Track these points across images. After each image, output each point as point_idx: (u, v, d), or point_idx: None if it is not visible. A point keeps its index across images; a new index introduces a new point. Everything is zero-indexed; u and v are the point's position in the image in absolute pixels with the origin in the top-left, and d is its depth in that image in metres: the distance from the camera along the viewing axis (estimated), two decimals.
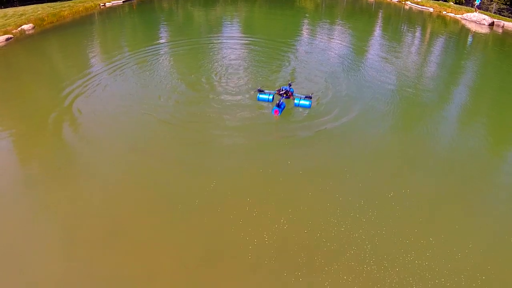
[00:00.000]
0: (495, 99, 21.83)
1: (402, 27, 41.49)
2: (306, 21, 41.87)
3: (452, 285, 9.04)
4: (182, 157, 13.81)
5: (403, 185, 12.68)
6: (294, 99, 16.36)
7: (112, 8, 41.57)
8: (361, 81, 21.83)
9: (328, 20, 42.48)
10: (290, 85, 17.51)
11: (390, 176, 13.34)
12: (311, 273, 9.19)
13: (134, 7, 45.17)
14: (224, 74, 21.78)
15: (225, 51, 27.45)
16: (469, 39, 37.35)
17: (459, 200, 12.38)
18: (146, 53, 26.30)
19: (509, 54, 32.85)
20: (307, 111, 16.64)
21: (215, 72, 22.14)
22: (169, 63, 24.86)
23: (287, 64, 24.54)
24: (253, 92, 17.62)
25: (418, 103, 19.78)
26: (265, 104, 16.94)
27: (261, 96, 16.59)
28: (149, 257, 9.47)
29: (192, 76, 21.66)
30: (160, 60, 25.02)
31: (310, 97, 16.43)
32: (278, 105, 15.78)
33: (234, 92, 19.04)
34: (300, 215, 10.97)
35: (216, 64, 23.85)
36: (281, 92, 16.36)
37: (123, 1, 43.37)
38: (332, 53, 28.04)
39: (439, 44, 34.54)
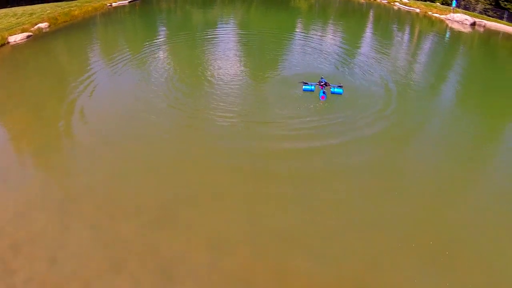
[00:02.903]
0: (480, 84, 25.51)
1: (392, 27, 44.50)
2: (301, 20, 44.51)
3: None
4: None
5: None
6: (330, 88, 19.47)
7: (118, 7, 43.27)
8: (353, 74, 24.51)
9: (322, 19, 45.47)
10: (322, 78, 20.34)
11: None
12: None
13: (137, 7, 46.91)
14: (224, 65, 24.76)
15: (225, 45, 30.47)
16: (453, 37, 40.56)
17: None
18: (152, 47, 28.96)
19: (490, 50, 36.52)
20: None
21: (218, 63, 25.18)
22: (170, 56, 27.43)
23: (286, 58, 27.67)
24: (299, 83, 20.33)
25: (412, 91, 22.81)
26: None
27: (305, 86, 19.62)
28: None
29: (195, 65, 24.65)
30: (161, 54, 27.43)
31: (342, 86, 19.49)
32: (324, 93, 19.10)
33: (230, 80, 22.14)
34: None
35: (218, 55, 26.90)
36: (321, 84, 19.50)
37: (128, 2, 45.06)
38: (328, 47, 30.91)
39: (427, 42, 37.83)
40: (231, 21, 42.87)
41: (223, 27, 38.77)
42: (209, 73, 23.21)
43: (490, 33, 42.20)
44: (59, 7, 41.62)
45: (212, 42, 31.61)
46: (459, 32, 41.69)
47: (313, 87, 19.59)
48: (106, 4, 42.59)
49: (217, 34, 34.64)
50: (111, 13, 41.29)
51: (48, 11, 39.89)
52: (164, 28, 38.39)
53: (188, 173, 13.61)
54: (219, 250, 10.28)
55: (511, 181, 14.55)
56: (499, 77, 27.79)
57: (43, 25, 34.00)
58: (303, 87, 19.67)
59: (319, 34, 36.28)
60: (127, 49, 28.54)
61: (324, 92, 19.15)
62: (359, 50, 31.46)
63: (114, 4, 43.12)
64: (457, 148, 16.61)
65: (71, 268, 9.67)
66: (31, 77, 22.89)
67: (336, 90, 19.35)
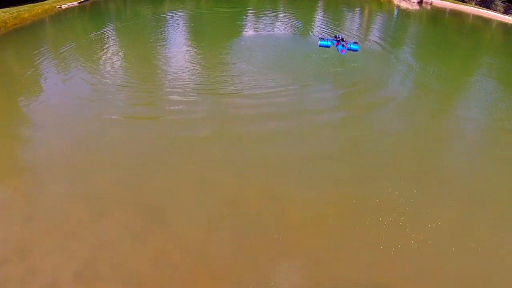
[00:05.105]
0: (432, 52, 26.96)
1: (342, 10, 45.52)
2: (251, 10, 44.52)
3: None
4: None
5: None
6: (347, 44, 19.49)
7: (68, 9, 42.04)
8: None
9: (271, 7, 45.82)
10: (339, 34, 20.97)
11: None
12: None
13: (87, 9, 45.79)
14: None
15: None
16: (402, 15, 42.14)
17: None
18: (103, 41, 28.63)
19: (439, 25, 38.89)
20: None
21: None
22: (123, 46, 27.08)
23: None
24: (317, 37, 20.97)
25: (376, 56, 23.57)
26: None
27: (322, 42, 19.91)
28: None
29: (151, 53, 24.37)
30: (113, 47, 26.77)
31: (357, 43, 19.83)
32: (343, 46, 19.34)
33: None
34: None
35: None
36: (338, 39, 19.67)
37: (78, 3, 43.84)
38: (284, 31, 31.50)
39: (378, 20, 39.47)
40: (182, 12, 42.50)
41: (175, 17, 38.86)
42: (163, 60, 22.75)
43: (437, 10, 44.14)
44: (6, 12, 39.98)
45: (164, 31, 32.00)
46: (408, 10, 43.35)
47: (329, 43, 19.86)
48: (55, 6, 41.28)
49: (168, 24, 35.31)
50: (61, 15, 40.11)
51: None
52: (114, 24, 37.41)
53: (162, 131, 13.62)
54: (206, 186, 10.35)
55: (476, 121, 15.97)
56: (450, 46, 29.76)
57: None
58: (319, 42, 19.92)
59: (274, 15, 37.13)
60: (76, 44, 27.60)
61: (343, 46, 19.25)
62: (314, 27, 32.30)
63: (64, 6, 41.85)
64: (431, 98, 17.98)
65: (49, 223, 9.32)
66: None
67: (352, 46, 19.46)
